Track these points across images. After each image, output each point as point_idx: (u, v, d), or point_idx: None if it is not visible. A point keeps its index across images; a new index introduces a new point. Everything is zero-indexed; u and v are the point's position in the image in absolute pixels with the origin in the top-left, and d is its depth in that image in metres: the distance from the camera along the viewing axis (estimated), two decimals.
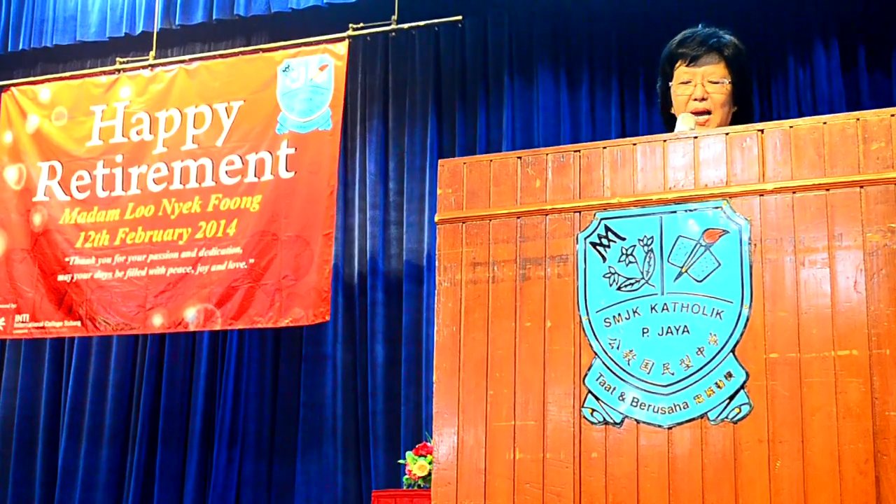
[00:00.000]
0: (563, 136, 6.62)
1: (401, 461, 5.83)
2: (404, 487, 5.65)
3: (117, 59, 7.26)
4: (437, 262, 2.52)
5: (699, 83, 2.99)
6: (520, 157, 2.51)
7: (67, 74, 7.41)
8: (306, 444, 6.82)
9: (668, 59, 3.09)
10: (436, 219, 2.54)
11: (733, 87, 3.01)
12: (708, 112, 2.98)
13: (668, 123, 3.10)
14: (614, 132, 6.50)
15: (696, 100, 2.99)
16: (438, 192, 2.56)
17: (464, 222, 2.51)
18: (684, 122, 2.89)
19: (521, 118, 6.80)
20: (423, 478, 5.43)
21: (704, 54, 3.01)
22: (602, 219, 2.40)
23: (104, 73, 7.28)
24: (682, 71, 3.04)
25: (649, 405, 2.28)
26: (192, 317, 6.52)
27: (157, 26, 7.15)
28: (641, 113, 6.47)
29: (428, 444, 5.58)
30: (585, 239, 2.40)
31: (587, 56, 6.81)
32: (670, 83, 3.07)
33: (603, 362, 2.33)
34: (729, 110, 3.01)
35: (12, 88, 7.38)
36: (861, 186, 2.23)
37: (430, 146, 6.90)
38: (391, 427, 6.59)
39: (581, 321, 2.36)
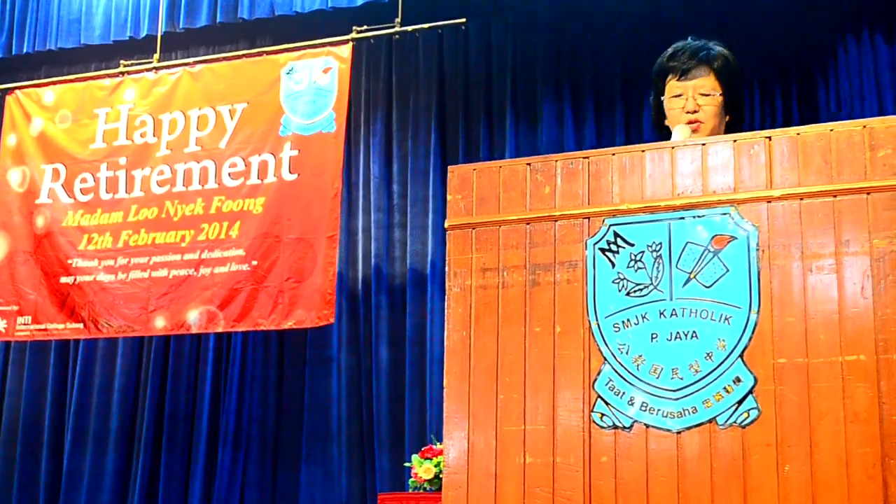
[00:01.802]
0: (566, 139, 6.64)
1: (406, 464, 5.85)
2: (410, 490, 5.67)
3: (121, 61, 7.27)
4: (447, 268, 2.53)
5: (690, 96, 3.03)
6: (529, 164, 2.53)
7: (71, 77, 7.42)
8: (311, 446, 6.83)
9: (659, 73, 3.13)
10: (445, 224, 2.55)
11: (724, 99, 3.05)
12: (699, 122, 3.01)
13: (661, 134, 3.14)
14: (619, 136, 6.52)
15: (688, 112, 3.02)
16: (448, 197, 2.58)
17: (473, 228, 2.53)
18: (680, 133, 2.92)
19: (524, 121, 6.82)
20: (429, 481, 5.45)
21: (694, 67, 3.05)
22: (611, 225, 2.42)
23: (108, 75, 7.30)
24: (673, 84, 3.08)
25: (658, 410, 2.30)
26: (194, 319, 6.53)
27: (161, 29, 7.16)
28: (645, 115, 6.48)
29: (433, 447, 5.60)
30: (594, 245, 2.42)
31: (590, 59, 6.84)
32: (662, 97, 3.12)
33: (612, 367, 2.34)
34: (721, 120, 3.05)
35: (16, 91, 7.39)
36: (868, 193, 2.25)
37: (434, 149, 6.92)
38: (395, 430, 6.60)
39: (590, 326, 2.38)
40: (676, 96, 3.06)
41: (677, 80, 3.06)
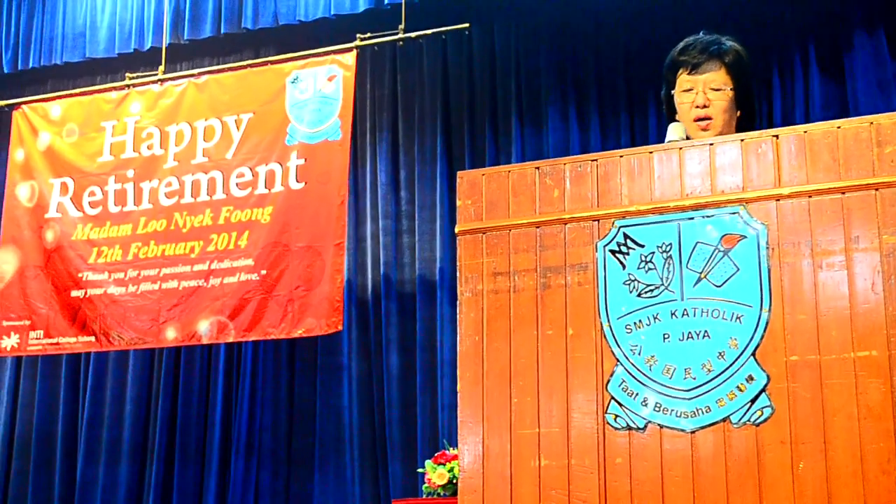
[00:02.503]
0: (571, 142, 6.64)
1: (420, 470, 5.84)
2: (423, 496, 5.66)
3: (127, 74, 7.28)
4: (458, 273, 2.54)
5: (701, 90, 3.03)
6: (538, 168, 2.54)
7: (77, 91, 7.43)
8: (323, 454, 6.83)
9: (670, 67, 3.14)
10: (456, 230, 2.57)
11: (735, 94, 3.04)
12: (710, 118, 3.01)
13: None
14: (624, 138, 6.52)
15: (698, 107, 3.02)
16: (458, 203, 2.59)
17: (484, 233, 2.54)
18: (674, 132, 2.92)
19: (529, 125, 6.83)
20: (443, 486, 5.44)
21: (706, 62, 3.05)
22: (621, 227, 2.43)
23: (114, 88, 7.30)
24: (683, 79, 3.08)
25: (672, 410, 2.30)
26: (205, 329, 6.54)
27: (165, 41, 7.17)
28: (651, 114, 6.49)
29: (446, 452, 5.59)
30: (605, 247, 2.43)
31: (594, 61, 6.83)
32: (673, 91, 3.11)
33: (625, 368, 2.35)
34: (731, 116, 3.05)
35: (23, 106, 7.40)
36: (876, 189, 2.26)
37: (441, 154, 6.92)
38: (408, 436, 6.60)
39: (602, 328, 2.39)
40: (687, 90, 3.06)
41: (688, 74, 3.07)
